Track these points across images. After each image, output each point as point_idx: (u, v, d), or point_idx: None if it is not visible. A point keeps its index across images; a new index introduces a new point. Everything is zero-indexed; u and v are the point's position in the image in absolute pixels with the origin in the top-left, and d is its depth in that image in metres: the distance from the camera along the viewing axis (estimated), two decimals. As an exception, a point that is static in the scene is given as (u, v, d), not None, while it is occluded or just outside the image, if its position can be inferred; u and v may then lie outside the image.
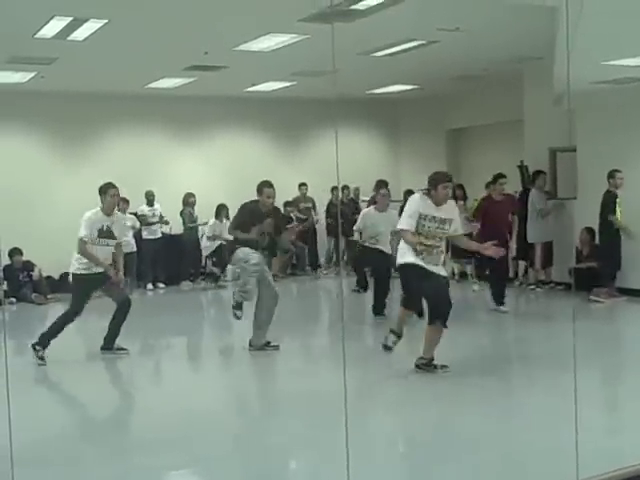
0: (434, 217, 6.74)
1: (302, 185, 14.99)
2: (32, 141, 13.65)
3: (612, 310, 10.28)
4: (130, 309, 8.07)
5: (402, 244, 6.94)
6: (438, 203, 6.78)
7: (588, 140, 11.15)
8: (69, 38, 9.12)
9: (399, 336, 7.26)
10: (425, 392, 6.56)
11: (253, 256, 7.84)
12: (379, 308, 9.61)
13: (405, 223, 6.79)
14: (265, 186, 8.02)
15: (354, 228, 9.90)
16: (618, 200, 10.43)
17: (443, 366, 6.90)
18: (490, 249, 7.29)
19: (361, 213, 9.90)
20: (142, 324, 9.36)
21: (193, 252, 13.93)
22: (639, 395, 6.37)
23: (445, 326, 6.77)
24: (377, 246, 9.50)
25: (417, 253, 6.74)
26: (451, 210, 6.92)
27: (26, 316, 11.48)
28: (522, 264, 12.25)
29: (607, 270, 10.63)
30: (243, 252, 7.87)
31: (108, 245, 7.93)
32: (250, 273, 7.83)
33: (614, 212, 10.41)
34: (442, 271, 6.89)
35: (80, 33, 8.93)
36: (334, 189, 14.75)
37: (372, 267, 10.03)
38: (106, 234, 7.87)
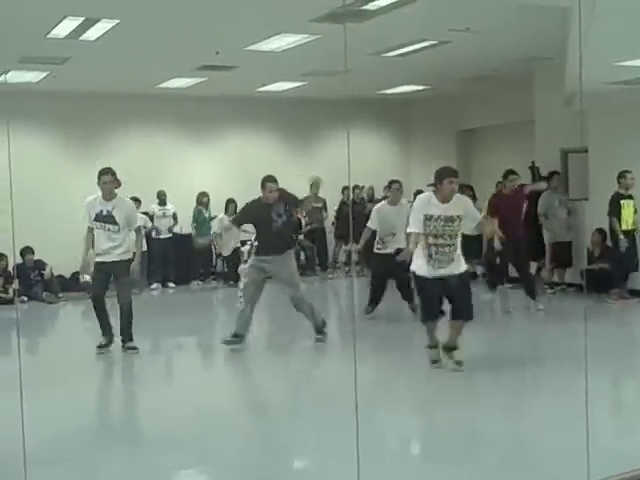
0: (439, 216, 6.66)
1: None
2: (44, 141, 13.71)
3: (623, 312, 10.21)
4: (132, 311, 8.15)
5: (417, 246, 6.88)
6: (444, 199, 6.70)
7: (600, 141, 11.09)
8: (81, 38, 9.16)
9: (437, 346, 7.06)
10: (435, 391, 6.56)
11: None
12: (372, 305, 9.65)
13: (412, 225, 6.79)
14: (268, 181, 8.05)
15: (368, 224, 9.51)
16: (624, 202, 10.38)
17: (458, 362, 6.95)
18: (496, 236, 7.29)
19: (374, 209, 9.64)
20: (151, 323, 9.40)
21: (204, 252, 13.96)
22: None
23: (470, 318, 6.93)
24: (392, 248, 9.13)
25: (428, 254, 6.69)
26: (460, 205, 6.82)
27: (37, 315, 11.53)
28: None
29: (617, 272, 10.59)
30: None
31: (110, 230, 7.94)
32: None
33: (618, 214, 10.37)
34: (458, 268, 6.79)
35: (92, 33, 8.98)
36: (345, 189, 14.73)
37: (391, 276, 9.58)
38: (105, 219, 7.94)
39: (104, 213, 7.93)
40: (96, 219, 7.96)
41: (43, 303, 12.14)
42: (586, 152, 11.42)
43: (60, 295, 12.40)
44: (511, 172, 10.11)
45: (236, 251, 13.71)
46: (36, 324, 10.88)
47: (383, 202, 9.77)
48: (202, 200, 13.93)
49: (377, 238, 9.49)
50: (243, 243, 13.84)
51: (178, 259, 13.84)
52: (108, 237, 7.96)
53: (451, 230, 6.70)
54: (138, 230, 8.38)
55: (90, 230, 8.06)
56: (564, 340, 8.34)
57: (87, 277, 12.48)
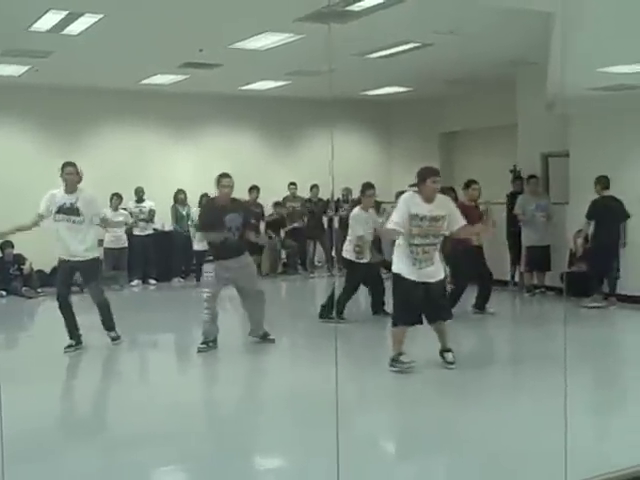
0: (425, 216, 6.65)
1: (291, 185, 15.00)
2: (26, 135, 13.60)
3: (603, 316, 10.28)
4: (109, 307, 8.21)
5: (397, 247, 6.87)
6: (428, 199, 6.69)
7: (581, 145, 11.18)
8: (64, 32, 9.10)
9: (402, 354, 6.94)
10: (413, 393, 6.58)
11: (209, 271, 7.99)
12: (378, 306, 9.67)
13: (393, 223, 6.70)
14: (222, 177, 8.00)
15: (357, 233, 9.25)
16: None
17: (450, 362, 7.05)
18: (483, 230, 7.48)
19: (352, 216, 9.48)
20: (130, 320, 9.36)
21: (184, 249, 13.94)
22: (628, 399, 6.43)
23: (450, 317, 7.12)
24: (367, 257, 9.36)
25: (413, 257, 6.69)
26: (444, 205, 6.83)
27: (16, 310, 11.46)
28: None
29: (593, 275, 10.70)
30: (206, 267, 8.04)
31: (74, 222, 7.85)
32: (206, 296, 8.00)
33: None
34: (439, 273, 6.86)
35: (75, 27, 8.92)
36: (313, 187, 14.84)
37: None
38: (68, 211, 7.85)
39: (67, 205, 7.85)
40: (59, 212, 7.86)
41: (22, 298, 12.06)
42: (567, 156, 11.52)
43: (39, 290, 12.32)
44: (473, 182, 10.00)
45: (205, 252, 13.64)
46: (15, 319, 10.82)
47: (358, 208, 9.55)
48: (179, 197, 13.94)
49: (352, 245, 9.31)
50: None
51: (159, 256, 13.80)
52: (72, 229, 7.88)
53: (435, 230, 6.73)
54: (103, 220, 8.34)
55: (40, 218, 7.95)
56: (542, 343, 8.40)
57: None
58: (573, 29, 6.55)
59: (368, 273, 9.46)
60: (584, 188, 10.87)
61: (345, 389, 5.93)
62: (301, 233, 14.96)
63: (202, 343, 8.00)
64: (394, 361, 6.90)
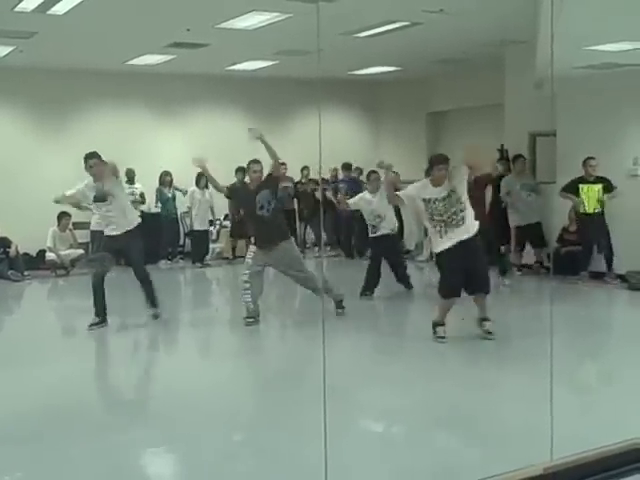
0: (436, 198, 7.14)
1: (281, 164, 14.88)
2: (10, 116, 13.50)
3: (591, 294, 10.35)
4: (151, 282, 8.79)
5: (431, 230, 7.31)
6: (435, 183, 7.21)
7: (568, 124, 11.20)
8: (49, 12, 8.99)
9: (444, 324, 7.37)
10: (401, 371, 6.61)
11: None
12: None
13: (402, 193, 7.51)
14: (251, 163, 8.76)
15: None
16: (585, 186, 10.57)
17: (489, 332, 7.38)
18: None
19: (359, 198, 10.12)
20: (121, 301, 9.35)
21: (171, 231, 13.92)
22: (613, 376, 6.49)
23: (488, 292, 7.40)
24: (384, 229, 9.78)
25: (439, 231, 7.16)
26: (453, 179, 7.17)
27: (2, 293, 11.40)
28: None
29: (580, 254, 10.76)
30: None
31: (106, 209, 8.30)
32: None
33: (575, 195, 10.67)
34: (469, 232, 7.14)
35: (61, 7, 8.81)
36: (304, 169, 14.79)
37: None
38: (100, 198, 8.24)
39: (98, 194, 8.27)
40: (95, 200, 8.35)
41: (8, 281, 12.00)
42: (554, 136, 11.53)
43: (26, 273, 12.27)
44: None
45: (204, 232, 13.68)
46: (1, 302, 10.78)
47: (365, 192, 10.16)
48: (165, 179, 13.89)
49: (367, 224, 9.93)
50: (211, 223, 13.92)
51: (146, 238, 13.70)
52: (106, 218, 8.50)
53: (456, 203, 7.12)
54: None
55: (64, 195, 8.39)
56: (532, 321, 8.43)
57: (53, 255, 12.43)
58: (560, 8, 6.53)
59: (384, 245, 9.86)
60: (571, 167, 10.90)
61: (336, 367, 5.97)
62: (290, 215, 14.90)
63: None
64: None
